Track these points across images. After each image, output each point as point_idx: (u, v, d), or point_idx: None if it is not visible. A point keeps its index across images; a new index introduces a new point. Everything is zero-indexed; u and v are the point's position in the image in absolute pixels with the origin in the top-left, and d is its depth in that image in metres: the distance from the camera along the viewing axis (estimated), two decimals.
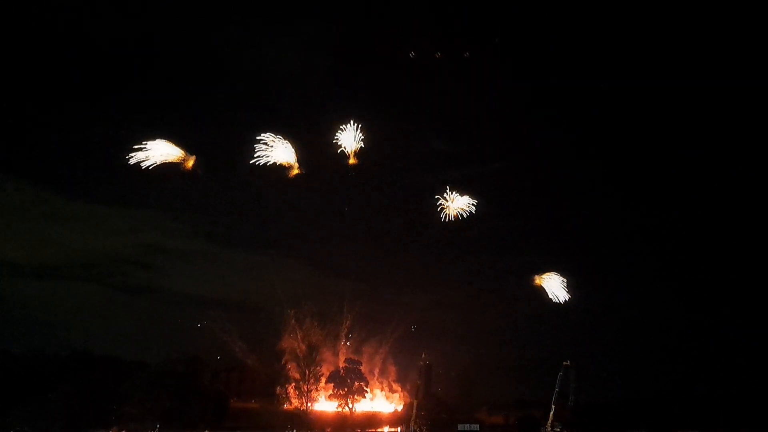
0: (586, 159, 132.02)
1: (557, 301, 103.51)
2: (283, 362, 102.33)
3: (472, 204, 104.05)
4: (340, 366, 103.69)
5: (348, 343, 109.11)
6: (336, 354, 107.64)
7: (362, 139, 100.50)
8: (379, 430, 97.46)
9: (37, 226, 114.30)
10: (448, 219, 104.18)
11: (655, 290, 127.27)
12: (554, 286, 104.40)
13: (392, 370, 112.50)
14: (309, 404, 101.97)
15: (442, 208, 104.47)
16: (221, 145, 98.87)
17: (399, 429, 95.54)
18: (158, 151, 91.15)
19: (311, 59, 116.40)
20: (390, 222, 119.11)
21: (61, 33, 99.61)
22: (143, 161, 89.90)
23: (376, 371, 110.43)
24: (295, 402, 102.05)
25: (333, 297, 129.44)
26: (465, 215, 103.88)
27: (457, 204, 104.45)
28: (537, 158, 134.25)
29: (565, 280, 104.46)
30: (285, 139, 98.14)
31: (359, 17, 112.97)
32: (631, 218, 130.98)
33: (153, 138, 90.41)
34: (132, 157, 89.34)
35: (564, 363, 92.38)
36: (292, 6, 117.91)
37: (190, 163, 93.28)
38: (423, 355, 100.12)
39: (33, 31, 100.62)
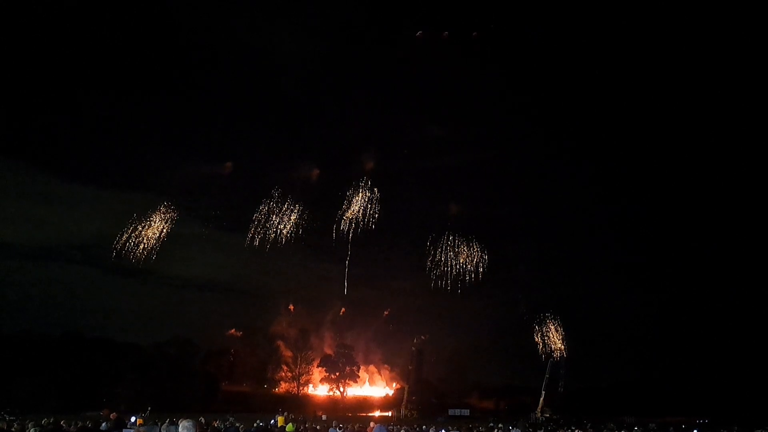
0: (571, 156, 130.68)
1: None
2: (274, 346, 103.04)
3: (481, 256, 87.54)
4: (329, 351, 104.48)
5: (339, 329, 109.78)
6: (327, 338, 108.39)
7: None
8: (370, 413, 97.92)
9: (33, 207, 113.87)
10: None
11: (645, 277, 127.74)
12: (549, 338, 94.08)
13: (381, 354, 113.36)
14: (301, 388, 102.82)
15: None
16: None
17: (390, 413, 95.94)
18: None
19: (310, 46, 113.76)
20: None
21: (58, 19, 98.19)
22: None
23: (366, 356, 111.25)
24: (287, 385, 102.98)
25: (326, 282, 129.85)
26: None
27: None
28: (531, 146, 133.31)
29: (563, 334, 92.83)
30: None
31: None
32: (618, 207, 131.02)
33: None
34: None
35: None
36: None
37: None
38: (415, 340, 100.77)
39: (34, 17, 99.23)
